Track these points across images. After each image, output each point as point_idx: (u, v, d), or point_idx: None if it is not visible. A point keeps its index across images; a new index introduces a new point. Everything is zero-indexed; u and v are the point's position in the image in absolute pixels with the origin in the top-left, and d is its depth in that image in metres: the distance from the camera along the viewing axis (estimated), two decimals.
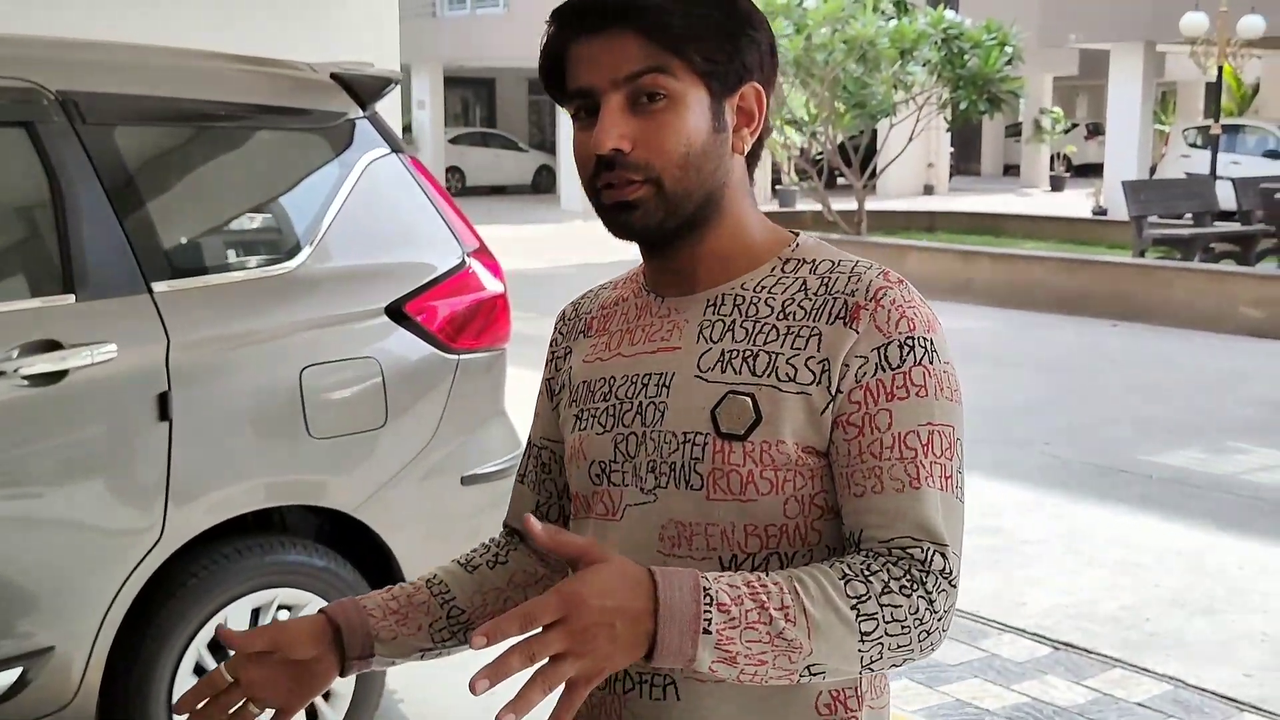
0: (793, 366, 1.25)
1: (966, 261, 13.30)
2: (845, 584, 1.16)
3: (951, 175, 31.24)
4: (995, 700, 3.90)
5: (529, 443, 1.51)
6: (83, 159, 2.78)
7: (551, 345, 1.48)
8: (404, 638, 1.42)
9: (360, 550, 3.20)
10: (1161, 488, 6.29)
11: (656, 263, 1.35)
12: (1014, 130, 34.79)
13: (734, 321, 1.29)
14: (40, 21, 3.61)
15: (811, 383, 1.24)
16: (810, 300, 1.27)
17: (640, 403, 1.31)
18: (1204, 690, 3.99)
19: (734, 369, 1.27)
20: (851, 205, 15.75)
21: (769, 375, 1.25)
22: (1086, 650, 4.29)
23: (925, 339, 1.24)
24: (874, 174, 16.56)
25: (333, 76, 3.23)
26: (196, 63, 3.21)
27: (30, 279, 2.89)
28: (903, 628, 1.17)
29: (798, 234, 1.37)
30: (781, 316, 1.28)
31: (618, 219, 1.28)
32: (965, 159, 35.62)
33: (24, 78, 2.75)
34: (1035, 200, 26.14)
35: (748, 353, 1.27)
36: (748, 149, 1.32)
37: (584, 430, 1.35)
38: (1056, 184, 29.73)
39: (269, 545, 3.08)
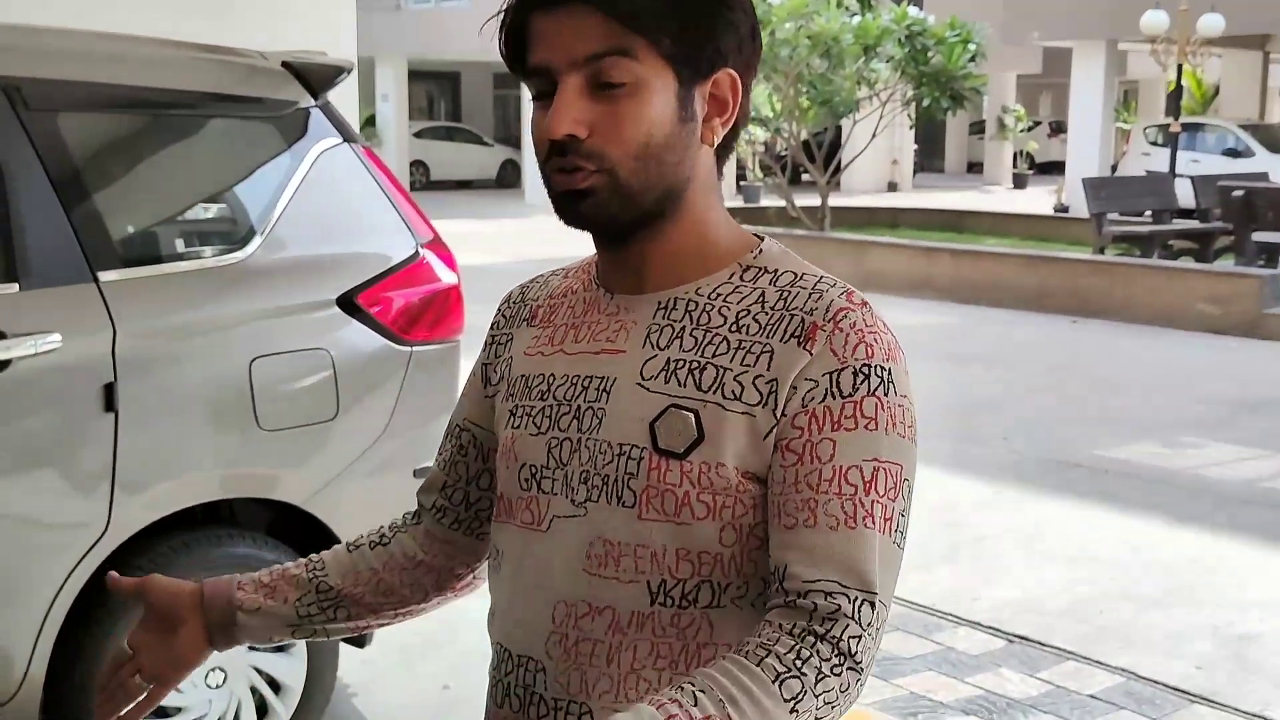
0: (739, 384, 1.17)
1: (928, 258, 13.36)
2: (780, 686, 1.08)
3: (916, 172, 31.37)
4: (949, 693, 3.91)
5: (451, 422, 1.45)
6: (26, 146, 2.74)
7: (493, 328, 1.40)
8: (268, 609, 1.39)
9: (312, 544, 3.17)
10: (1117, 482, 6.34)
11: (609, 256, 1.27)
12: (978, 128, 34.97)
13: (684, 328, 1.21)
14: None
15: (758, 403, 1.16)
16: (766, 314, 1.19)
17: (579, 406, 1.23)
18: (1155, 682, 4.02)
19: (678, 380, 1.19)
20: (816, 201, 15.78)
21: (714, 391, 1.17)
22: (1040, 643, 4.31)
23: (883, 368, 1.16)
24: (838, 170, 16.57)
25: (284, 65, 3.20)
26: (144, 49, 3.17)
27: None
28: (832, 707, 1.11)
29: (763, 239, 1.28)
30: (734, 328, 1.20)
31: (568, 207, 1.20)
32: (929, 156, 35.78)
33: None
34: (998, 197, 26.29)
35: (694, 364, 1.19)
36: (718, 140, 1.23)
37: (518, 429, 1.28)
38: (1019, 181, 29.92)
39: (218, 538, 3.05)
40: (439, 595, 1.44)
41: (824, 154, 16.10)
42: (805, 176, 17.06)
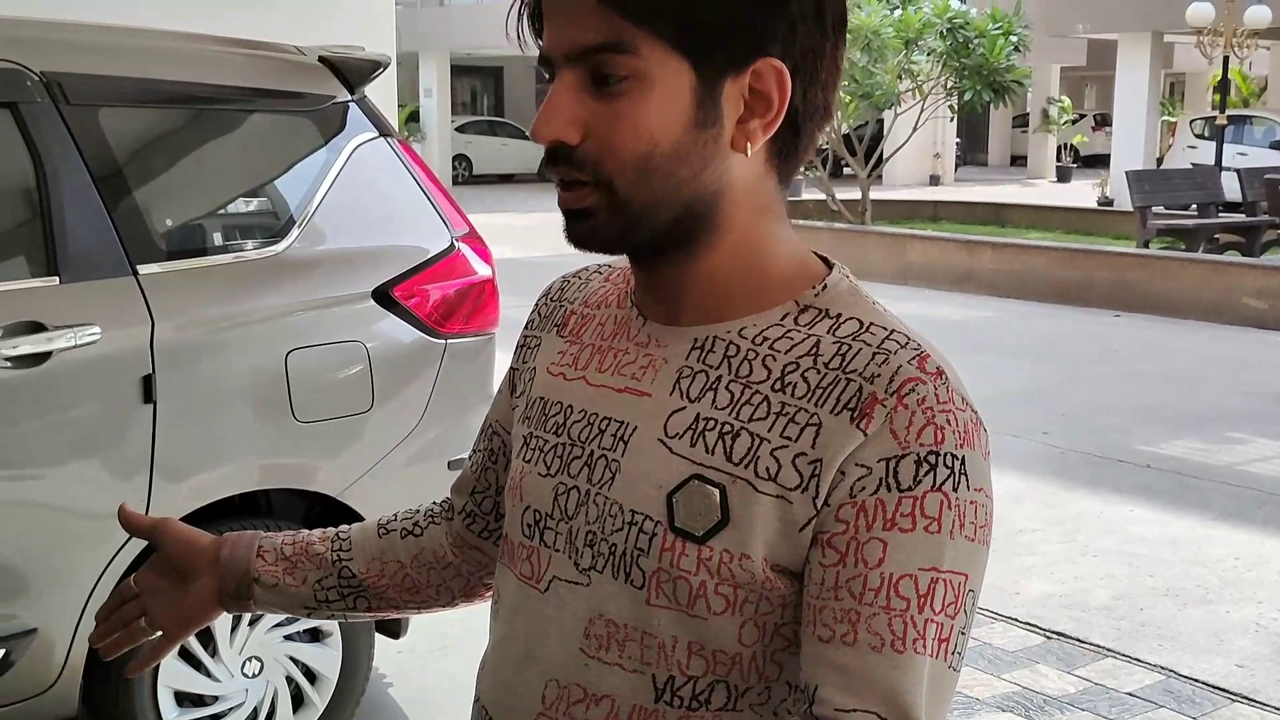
0: (776, 460, 0.96)
1: (969, 251, 13.27)
2: None
3: (958, 165, 31.19)
4: (985, 689, 3.89)
5: (486, 420, 1.30)
6: (67, 140, 2.78)
7: (527, 326, 1.24)
8: (286, 587, 1.28)
9: None
10: (1159, 478, 6.28)
11: (640, 276, 1.08)
12: (1021, 121, 34.71)
13: (719, 379, 1.01)
14: (29, 6, 3.60)
15: (796, 487, 0.96)
16: (818, 373, 0.98)
17: (592, 452, 1.05)
18: (1195, 680, 3.98)
19: (706, 445, 0.99)
20: (857, 195, 15.73)
21: (747, 465, 0.97)
22: (1078, 640, 4.28)
23: (954, 456, 0.94)
24: (879, 163, 16.49)
25: (321, 60, 3.23)
26: (183, 45, 3.21)
27: (14, 260, 2.88)
28: None
29: (832, 268, 1.06)
30: (778, 386, 0.98)
31: (569, 228, 1.02)
32: (972, 149, 35.56)
33: (8, 58, 2.75)
34: (1041, 191, 26.09)
35: (727, 427, 0.99)
36: (756, 146, 0.99)
37: (528, 463, 1.11)
38: (1063, 174, 29.68)
39: (255, 529, 3.07)
40: (465, 601, 1.33)
41: (865, 147, 16.04)
42: (846, 170, 17.00)
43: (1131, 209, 14.35)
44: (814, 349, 0.99)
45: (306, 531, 1.33)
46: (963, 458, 0.95)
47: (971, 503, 0.95)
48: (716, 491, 0.98)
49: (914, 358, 0.97)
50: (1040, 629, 4.36)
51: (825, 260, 1.07)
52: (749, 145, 0.99)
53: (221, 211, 3.30)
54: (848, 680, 0.93)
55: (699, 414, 1.00)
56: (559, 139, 0.98)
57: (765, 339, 1.01)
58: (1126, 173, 14.83)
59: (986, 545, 0.98)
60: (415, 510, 1.35)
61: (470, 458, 1.32)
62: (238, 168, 3.30)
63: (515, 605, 1.11)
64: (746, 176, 1.01)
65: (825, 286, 1.03)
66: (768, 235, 1.03)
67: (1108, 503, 5.88)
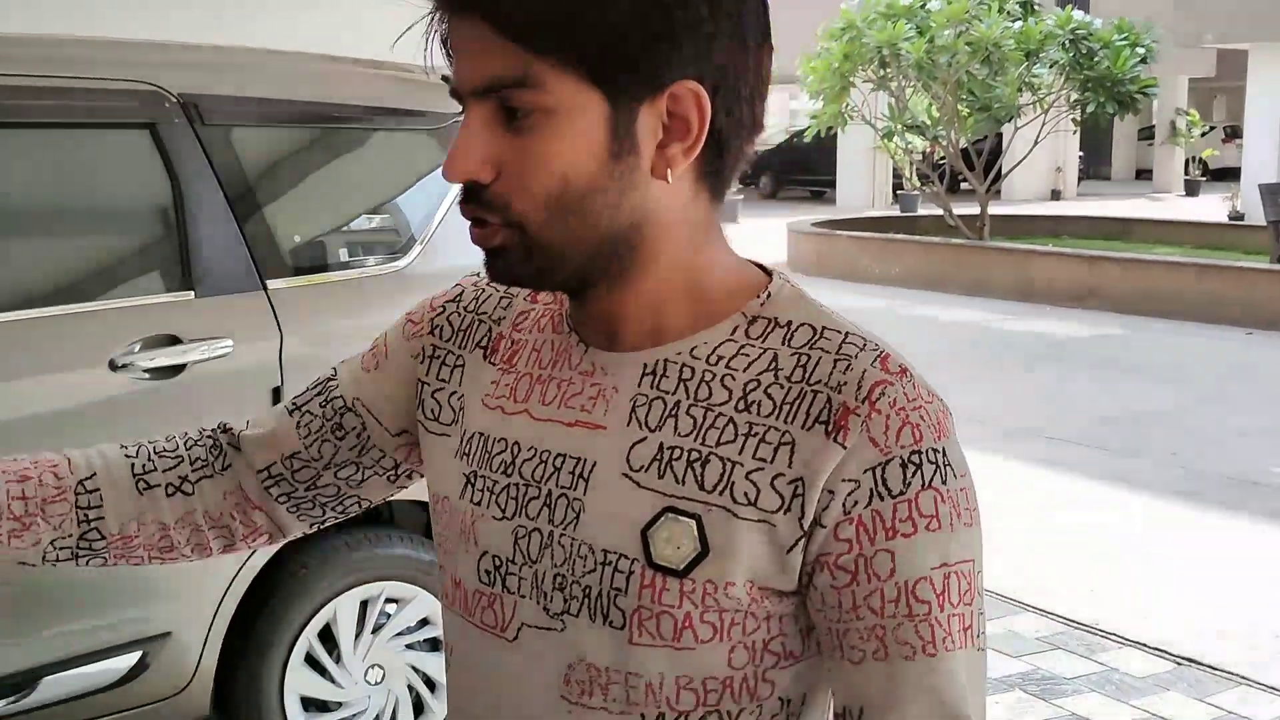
0: (753, 484, 0.93)
1: (1092, 267, 12.98)
2: None
3: (1080, 180, 30.53)
4: (1112, 716, 3.79)
5: (335, 387, 1.17)
6: (202, 160, 2.87)
7: (434, 331, 1.14)
8: (11, 551, 1.13)
9: None
10: None
11: (573, 303, 1.03)
12: (1147, 134, 33.89)
13: (678, 403, 0.96)
14: (167, 30, 3.72)
15: (779, 509, 0.92)
16: (781, 387, 0.94)
17: (550, 492, 0.99)
18: None
19: (675, 475, 0.95)
20: (975, 210, 15.50)
21: (721, 492, 0.93)
22: (1210, 667, 4.15)
23: (935, 450, 0.93)
24: (998, 178, 16.23)
25: (444, 78, 3.27)
26: (311, 65, 3.30)
27: (152, 276, 2.98)
28: None
29: (772, 275, 1.02)
30: (742, 406, 0.95)
31: (487, 265, 0.97)
32: (1095, 163, 34.79)
33: (147, 80, 2.85)
34: (1168, 205, 25.43)
35: (695, 454, 0.95)
36: (677, 172, 0.94)
37: (479, 506, 1.04)
38: (1191, 188, 28.86)
39: (377, 538, 3.13)
40: (219, 555, 1.22)
41: (983, 161, 15.81)
42: (964, 185, 16.78)
43: (1264, 223, 13.91)
44: (773, 363, 0.96)
45: (32, 472, 1.14)
46: (942, 449, 0.94)
47: (961, 489, 0.94)
48: (692, 522, 0.94)
49: (875, 359, 0.94)
50: (1170, 655, 4.24)
51: (765, 269, 1.03)
52: (669, 171, 0.94)
53: (348, 228, 3.38)
54: (890, 695, 0.92)
55: (662, 443, 0.96)
56: (471, 178, 0.93)
57: (720, 357, 0.97)
58: (1260, 185, 14.38)
59: (979, 524, 0.97)
60: (175, 454, 1.19)
61: (293, 415, 1.19)
62: (363, 185, 3.38)
63: (478, 658, 1.04)
64: (672, 202, 0.96)
65: (770, 295, 1.00)
66: (702, 255, 0.99)
67: (1240, 526, 5.69)
